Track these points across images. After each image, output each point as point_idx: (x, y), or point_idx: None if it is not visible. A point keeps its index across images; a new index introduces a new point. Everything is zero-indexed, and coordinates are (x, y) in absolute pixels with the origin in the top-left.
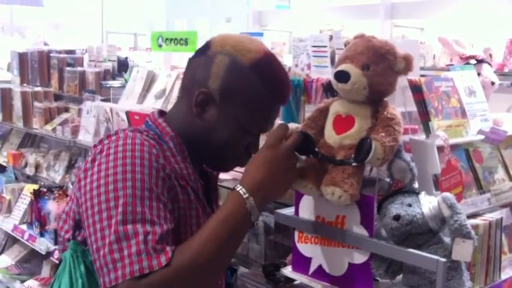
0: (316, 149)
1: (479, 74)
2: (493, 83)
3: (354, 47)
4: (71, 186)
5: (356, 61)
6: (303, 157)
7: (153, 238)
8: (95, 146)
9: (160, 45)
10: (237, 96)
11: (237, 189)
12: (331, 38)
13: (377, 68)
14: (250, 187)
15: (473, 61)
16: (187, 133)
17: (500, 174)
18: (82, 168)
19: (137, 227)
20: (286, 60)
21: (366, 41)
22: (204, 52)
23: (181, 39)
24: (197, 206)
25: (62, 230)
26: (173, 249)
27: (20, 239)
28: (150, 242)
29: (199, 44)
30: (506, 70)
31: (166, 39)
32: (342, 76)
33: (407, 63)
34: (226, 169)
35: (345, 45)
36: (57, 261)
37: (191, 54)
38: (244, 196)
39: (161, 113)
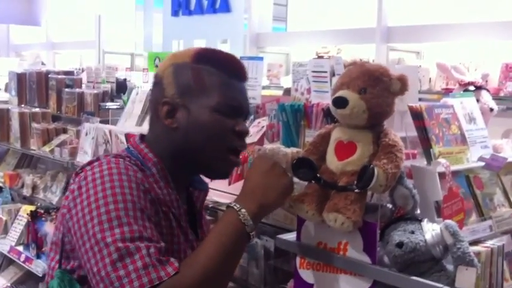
0: (318, 175)
1: (478, 100)
2: (491, 109)
3: (348, 73)
4: None
5: (352, 86)
6: (306, 183)
7: (155, 251)
8: (76, 173)
9: (157, 66)
10: (194, 88)
11: (231, 205)
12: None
13: (374, 90)
14: (242, 199)
15: (472, 87)
16: (171, 152)
17: (500, 200)
18: (70, 198)
19: (137, 243)
20: (283, 82)
21: (359, 66)
22: (154, 82)
23: None
24: (178, 233)
25: (49, 258)
26: (177, 261)
27: (16, 260)
28: (153, 255)
29: None
30: (501, 94)
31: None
32: (340, 102)
33: (402, 83)
34: (225, 170)
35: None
36: None
37: None
38: (236, 208)
39: (142, 137)
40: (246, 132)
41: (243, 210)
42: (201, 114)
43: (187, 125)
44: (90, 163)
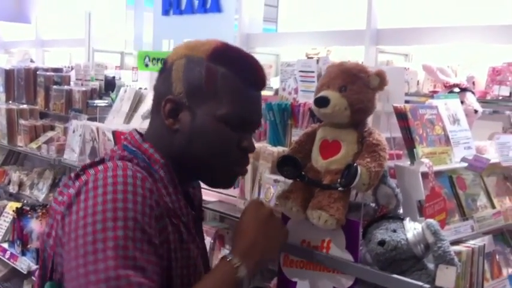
0: (303, 173)
1: (462, 102)
2: (476, 111)
3: (327, 74)
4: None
5: (332, 86)
6: (290, 180)
7: None
8: (77, 174)
9: (147, 65)
10: (204, 91)
11: (228, 259)
12: (317, 62)
13: (353, 87)
14: (241, 254)
15: (457, 89)
16: (172, 154)
17: (483, 201)
18: (66, 203)
19: (130, 279)
20: (273, 83)
21: (337, 66)
22: (163, 69)
23: None
24: (188, 244)
25: (41, 267)
26: None
27: (1, 257)
28: None
29: None
30: (488, 97)
31: (153, 58)
32: (322, 101)
33: (381, 79)
34: (228, 181)
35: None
36: None
37: None
38: (235, 266)
39: (141, 134)
40: (252, 150)
41: (242, 267)
42: (206, 121)
43: (190, 130)
44: (93, 165)
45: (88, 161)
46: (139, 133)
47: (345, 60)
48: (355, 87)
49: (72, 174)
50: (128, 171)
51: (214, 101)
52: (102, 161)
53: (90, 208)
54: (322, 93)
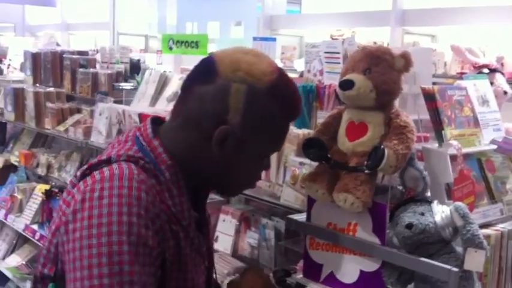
0: (329, 155)
1: (491, 83)
2: (505, 93)
3: (351, 59)
4: None
5: (356, 69)
6: (316, 163)
7: None
8: (83, 173)
9: (171, 48)
10: (259, 127)
11: None
12: (343, 43)
13: (377, 69)
14: None
15: (486, 70)
16: (191, 163)
17: None
18: (71, 207)
19: None
20: (297, 64)
21: (361, 49)
22: (213, 79)
23: (192, 42)
24: (185, 248)
25: (39, 264)
26: None
27: (31, 238)
28: None
29: (210, 47)
30: None
31: (177, 41)
32: (347, 84)
33: (406, 60)
34: (238, 192)
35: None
36: None
37: (202, 57)
38: None
39: (154, 121)
40: (268, 168)
41: None
42: (251, 156)
43: (229, 157)
44: (99, 164)
45: None
46: (154, 121)
47: (370, 42)
48: (380, 68)
49: (78, 173)
50: (133, 182)
51: (264, 138)
52: (109, 160)
53: (94, 219)
54: (347, 77)
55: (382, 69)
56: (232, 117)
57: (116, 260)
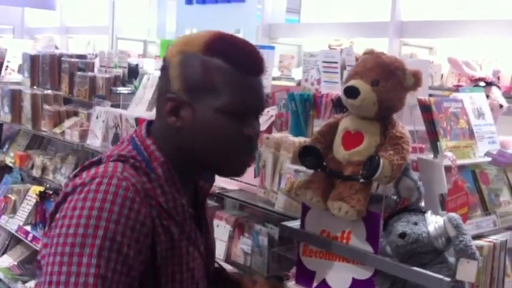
0: (324, 163)
1: (488, 96)
2: (501, 106)
3: (363, 63)
4: None
5: (366, 77)
6: (311, 171)
7: None
8: (75, 175)
9: None
10: (202, 85)
11: None
12: (341, 52)
13: (386, 84)
14: None
15: (482, 83)
16: (177, 151)
17: (505, 196)
18: (63, 207)
19: None
20: (295, 73)
21: (375, 57)
22: (162, 67)
23: None
24: (180, 243)
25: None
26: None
27: (24, 239)
28: None
29: None
30: None
31: None
32: (352, 92)
33: (416, 79)
34: (237, 169)
35: (356, 60)
36: None
37: None
38: None
39: (149, 124)
40: (255, 135)
41: None
42: (207, 115)
43: (192, 125)
44: (89, 165)
45: (111, 147)
46: (151, 124)
47: (372, 48)
48: (388, 84)
49: (72, 175)
50: (122, 183)
51: (213, 94)
52: (99, 161)
53: (74, 218)
54: (354, 83)
55: (391, 85)
56: (174, 86)
57: (85, 261)
